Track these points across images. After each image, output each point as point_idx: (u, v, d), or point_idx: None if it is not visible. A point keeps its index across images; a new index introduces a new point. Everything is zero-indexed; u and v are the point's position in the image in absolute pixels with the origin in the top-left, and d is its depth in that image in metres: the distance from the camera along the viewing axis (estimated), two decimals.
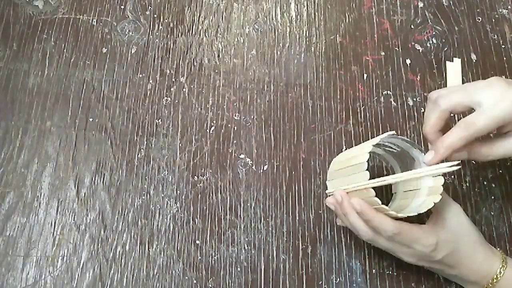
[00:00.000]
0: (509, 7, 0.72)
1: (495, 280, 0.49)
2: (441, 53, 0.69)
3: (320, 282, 0.56)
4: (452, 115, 0.51)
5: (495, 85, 0.46)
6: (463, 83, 0.66)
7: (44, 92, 0.64)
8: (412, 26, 0.70)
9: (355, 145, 0.62)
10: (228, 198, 0.60)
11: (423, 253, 0.49)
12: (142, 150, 0.62)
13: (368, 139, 0.62)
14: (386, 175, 0.52)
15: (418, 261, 0.50)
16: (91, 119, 0.63)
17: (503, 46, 0.69)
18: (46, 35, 0.68)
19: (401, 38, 0.69)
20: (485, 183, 0.61)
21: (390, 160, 0.57)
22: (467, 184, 0.61)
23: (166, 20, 0.70)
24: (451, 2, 0.72)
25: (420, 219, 0.51)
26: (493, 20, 0.71)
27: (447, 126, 0.49)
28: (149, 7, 0.70)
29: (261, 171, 0.61)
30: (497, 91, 0.45)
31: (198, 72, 0.67)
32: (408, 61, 0.68)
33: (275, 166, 0.61)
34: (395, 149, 0.54)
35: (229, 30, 0.69)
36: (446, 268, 0.51)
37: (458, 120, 0.47)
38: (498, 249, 0.52)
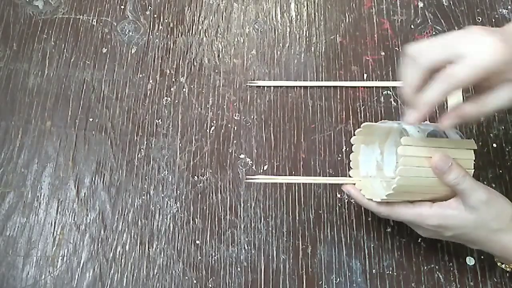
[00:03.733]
0: (509, 7, 0.72)
1: None
2: None
3: (320, 282, 0.56)
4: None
5: (476, 34, 0.43)
6: None
7: (44, 92, 0.64)
8: (412, 26, 0.70)
9: None
10: (228, 198, 0.60)
11: (428, 231, 0.50)
12: (142, 150, 0.62)
13: None
14: None
15: (431, 236, 0.51)
16: (91, 119, 0.63)
17: None
18: (46, 35, 0.68)
19: (401, 38, 0.69)
20: (485, 183, 0.61)
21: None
22: None
23: (166, 20, 0.70)
24: (451, 2, 0.72)
25: None
26: (493, 20, 0.71)
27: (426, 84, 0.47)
28: (149, 7, 0.70)
29: (261, 171, 0.61)
30: (478, 40, 0.43)
31: (198, 72, 0.67)
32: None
33: (275, 166, 0.61)
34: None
35: (229, 30, 0.69)
36: (465, 243, 0.51)
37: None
38: None
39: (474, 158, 0.50)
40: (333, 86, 0.66)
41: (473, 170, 0.49)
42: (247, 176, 0.56)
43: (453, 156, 0.48)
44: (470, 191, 0.47)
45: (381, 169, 0.55)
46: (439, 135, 0.50)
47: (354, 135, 0.54)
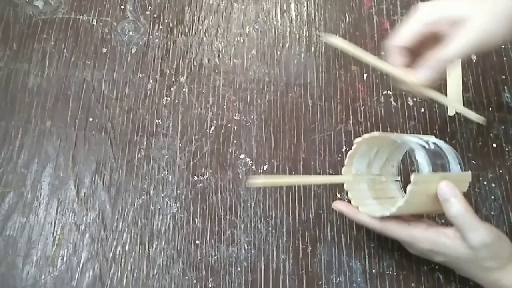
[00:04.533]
0: None
1: None
2: None
3: (320, 282, 0.56)
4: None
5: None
6: (463, 83, 0.66)
7: (44, 92, 0.64)
8: None
9: None
10: (228, 198, 0.60)
11: (420, 252, 0.50)
12: (142, 150, 0.62)
13: None
14: None
15: (421, 255, 0.51)
16: (91, 119, 0.63)
17: (503, 46, 0.69)
18: (46, 35, 0.68)
19: None
20: (485, 183, 0.61)
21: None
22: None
23: (166, 20, 0.70)
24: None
25: None
26: None
27: (416, 49, 0.51)
28: (149, 7, 0.70)
29: (261, 171, 0.61)
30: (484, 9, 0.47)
31: (198, 72, 0.67)
32: None
33: (275, 166, 0.61)
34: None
35: (229, 30, 0.69)
36: (455, 270, 0.51)
37: None
38: None
39: (466, 190, 0.51)
40: (334, 86, 0.66)
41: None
42: (249, 181, 0.55)
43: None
44: (471, 228, 0.47)
45: (370, 166, 0.56)
46: (442, 154, 0.51)
47: (355, 136, 0.55)
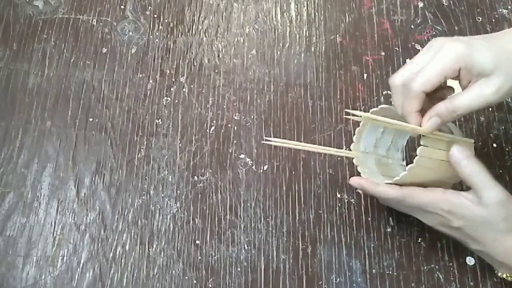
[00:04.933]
0: (509, 7, 0.72)
1: None
2: None
3: (320, 282, 0.56)
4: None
5: (463, 51, 0.46)
6: None
7: (44, 92, 0.64)
8: (412, 26, 0.70)
9: None
10: (228, 198, 0.60)
11: (437, 218, 0.49)
12: (142, 150, 0.62)
13: None
14: None
15: (437, 225, 0.51)
16: (91, 119, 0.63)
17: None
18: (46, 35, 0.68)
19: (401, 38, 0.69)
20: None
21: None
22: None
23: (166, 20, 0.70)
24: (451, 2, 0.72)
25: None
26: (493, 20, 0.71)
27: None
28: (149, 7, 0.70)
29: (261, 171, 0.61)
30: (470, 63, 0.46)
31: (198, 72, 0.67)
32: (408, 61, 0.68)
33: (275, 166, 0.61)
34: None
35: (229, 30, 0.69)
36: (468, 240, 0.50)
37: None
38: None
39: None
40: (334, 86, 0.66)
41: None
42: (265, 138, 0.53)
43: None
44: (485, 187, 0.47)
45: (377, 147, 0.57)
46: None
47: (358, 125, 0.56)
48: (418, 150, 0.48)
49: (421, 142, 0.48)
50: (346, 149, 0.60)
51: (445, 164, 0.49)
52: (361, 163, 0.55)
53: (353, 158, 0.56)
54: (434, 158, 0.49)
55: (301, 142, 0.60)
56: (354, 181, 0.53)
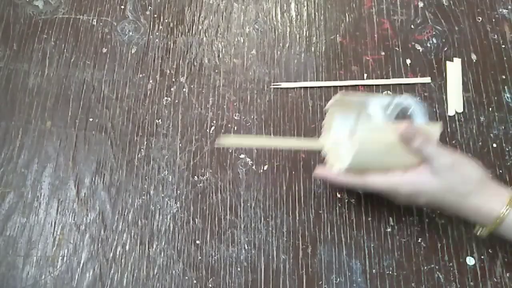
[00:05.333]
0: (509, 7, 0.72)
1: (498, 220, 0.48)
2: (441, 53, 0.68)
3: (320, 282, 0.56)
4: None
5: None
6: (463, 83, 0.66)
7: (44, 92, 0.64)
8: (412, 26, 0.70)
9: None
10: (228, 198, 0.60)
11: (403, 198, 0.52)
12: (142, 150, 0.62)
13: None
14: None
15: (407, 203, 0.53)
16: (91, 119, 0.63)
17: (503, 46, 0.69)
18: (46, 35, 0.68)
19: (401, 38, 0.69)
20: None
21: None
22: None
23: (166, 20, 0.70)
24: (451, 2, 0.72)
25: None
26: (493, 20, 0.71)
27: None
28: (149, 7, 0.70)
29: (261, 171, 0.61)
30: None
31: (198, 72, 0.67)
32: (408, 61, 0.68)
33: (275, 166, 0.61)
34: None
35: (229, 30, 0.69)
36: (439, 210, 0.53)
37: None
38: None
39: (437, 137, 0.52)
40: (334, 86, 0.66)
41: None
42: (218, 141, 0.58)
43: None
44: (434, 156, 0.50)
45: (352, 136, 0.57)
46: (409, 111, 0.53)
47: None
48: (358, 135, 0.50)
49: (358, 127, 0.51)
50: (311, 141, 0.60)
51: (392, 144, 0.51)
52: (332, 152, 0.56)
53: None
54: (377, 141, 0.51)
55: (262, 136, 0.61)
56: (317, 172, 0.55)
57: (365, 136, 0.51)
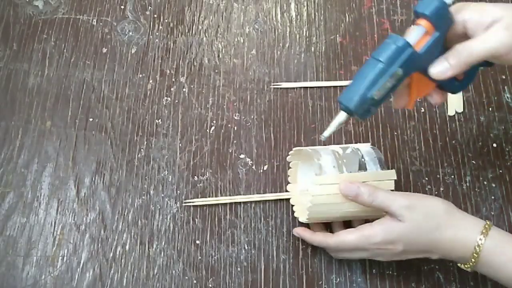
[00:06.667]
0: None
1: (476, 255, 0.47)
2: None
3: (320, 282, 0.56)
4: None
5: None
6: None
7: (44, 92, 0.64)
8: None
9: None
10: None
11: (380, 252, 0.50)
12: (142, 150, 0.62)
13: (368, 139, 0.63)
14: None
15: (389, 258, 0.51)
16: (91, 119, 0.63)
17: None
18: (46, 35, 0.68)
19: None
20: (485, 183, 0.61)
21: None
22: (467, 184, 0.61)
23: (166, 20, 0.70)
24: (451, 2, 0.72)
25: None
26: None
27: None
28: (149, 7, 0.70)
29: (261, 171, 0.61)
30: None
31: (198, 72, 0.67)
32: None
33: (275, 166, 0.61)
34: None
35: (229, 30, 0.69)
36: (422, 255, 0.50)
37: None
38: (485, 220, 0.49)
39: (393, 189, 0.52)
40: (334, 86, 0.66)
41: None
42: (185, 201, 0.59)
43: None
44: (389, 203, 0.49)
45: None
46: (357, 158, 0.54)
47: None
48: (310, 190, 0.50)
49: (313, 182, 0.51)
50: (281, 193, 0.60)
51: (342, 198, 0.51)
52: (298, 204, 0.57)
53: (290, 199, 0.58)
54: (331, 192, 0.51)
55: (227, 197, 0.60)
56: (296, 231, 0.56)
57: (316, 190, 0.51)
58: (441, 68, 0.46)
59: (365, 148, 0.55)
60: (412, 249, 0.50)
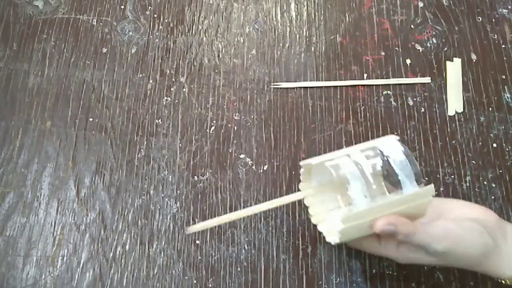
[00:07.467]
0: (509, 7, 0.72)
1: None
2: (441, 53, 0.69)
3: (320, 282, 0.56)
4: None
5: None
6: (463, 83, 0.66)
7: (44, 92, 0.64)
8: (412, 26, 0.70)
9: (355, 144, 0.62)
10: (228, 198, 0.60)
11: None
12: (142, 150, 0.62)
13: (368, 139, 0.63)
14: None
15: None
16: (91, 119, 0.63)
17: (503, 46, 0.69)
18: (46, 35, 0.68)
19: (401, 38, 0.69)
20: (485, 183, 0.61)
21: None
22: (467, 184, 0.61)
23: (166, 20, 0.70)
24: (451, 2, 0.72)
25: None
26: (493, 20, 0.71)
27: None
28: (149, 7, 0.70)
29: (261, 171, 0.61)
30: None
31: (198, 72, 0.67)
32: (408, 61, 0.68)
33: (275, 166, 0.61)
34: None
35: (229, 30, 0.69)
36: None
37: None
38: None
39: (427, 208, 0.47)
40: (334, 86, 0.66)
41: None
42: (187, 228, 0.53)
43: (407, 211, 0.46)
44: (424, 245, 0.46)
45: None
46: (391, 172, 0.46)
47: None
48: (339, 231, 0.45)
49: (340, 220, 0.45)
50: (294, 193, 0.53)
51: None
52: (314, 202, 0.53)
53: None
54: (366, 224, 0.46)
55: (233, 212, 0.51)
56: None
57: (347, 228, 0.45)
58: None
59: (397, 157, 0.46)
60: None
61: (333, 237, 0.48)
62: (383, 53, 0.68)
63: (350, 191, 0.45)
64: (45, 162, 0.61)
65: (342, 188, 0.49)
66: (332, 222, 0.52)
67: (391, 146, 0.47)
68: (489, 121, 0.64)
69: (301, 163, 0.51)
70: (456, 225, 0.46)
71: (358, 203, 0.45)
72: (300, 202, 0.59)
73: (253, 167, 0.61)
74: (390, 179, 0.45)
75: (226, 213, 0.59)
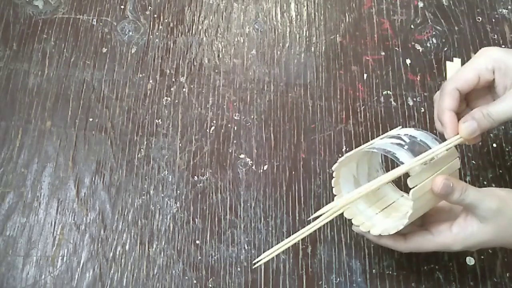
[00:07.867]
0: (509, 7, 0.72)
1: None
2: (441, 53, 0.69)
3: (320, 282, 0.56)
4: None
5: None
6: None
7: (44, 92, 0.64)
8: (412, 26, 0.70)
9: (355, 145, 0.62)
10: (228, 198, 0.60)
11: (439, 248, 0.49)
12: (142, 150, 0.62)
13: (368, 139, 0.63)
14: None
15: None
16: (91, 119, 0.63)
17: (503, 46, 0.69)
18: (46, 35, 0.68)
19: (401, 38, 0.69)
20: (485, 183, 0.61)
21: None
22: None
23: (166, 20, 0.70)
24: (451, 2, 0.72)
25: None
26: (493, 20, 0.71)
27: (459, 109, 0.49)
28: (149, 7, 0.70)
29: (261, 171, 0.61)
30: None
31: (198, 72, 0.67)
32: (408, 61, 0.68)
33: (275, 166, 0.61)
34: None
35: (229, 30, 0.69)
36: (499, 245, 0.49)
37: None
38: None
39: (459, 167, 0.49)
40: (334, 86, 0.66)
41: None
42: (254, 263, 0.48)
43: (446, 172, 0.47)
44: (477, 203, 0.46)
45: (357, 183, 0.53)
46: (419, 142, 0.48)
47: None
48: (410, 194, 0.45)
49: (409, 184, 0.45)
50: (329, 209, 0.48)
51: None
52: (353, 213, 0.52)
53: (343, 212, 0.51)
54: (426, 190, 0.46)
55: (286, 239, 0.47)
56: (354, 228, 0.52)
57: (417, 191, 0.45)
58: (467, 126, 0.47)
59: (414, 132, 0.49)
60: (488, 246, 0.49)
61: (395, 225, 0.48)
62: (383, 53, 0.68)
63: (402, 159, 0.46)
64: (45, 162, 0.61)
65: (373, 196, 0.53)
66: (382, 222, 0.51)
67: (401, 129, 0.50)
68: None
69: (335, 166, 0.51)
70: (501, 190, 0.48)
71: (413, 168, 0.46)
72: (300, 202, 0.59)
73: (253, 167, 0.61)
74: (420, 148, 0.47)
75: (226, 213, 0.59)
